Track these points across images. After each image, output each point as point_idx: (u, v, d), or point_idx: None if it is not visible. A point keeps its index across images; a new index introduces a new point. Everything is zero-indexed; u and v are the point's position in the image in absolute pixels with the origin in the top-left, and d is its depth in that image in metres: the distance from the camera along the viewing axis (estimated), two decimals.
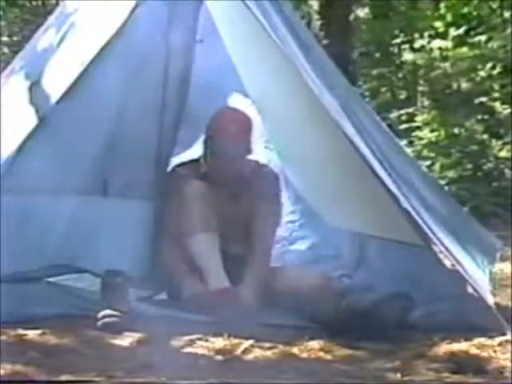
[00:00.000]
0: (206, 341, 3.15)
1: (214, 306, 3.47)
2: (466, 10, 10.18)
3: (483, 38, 9.82)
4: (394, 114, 10.46)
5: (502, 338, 3.16)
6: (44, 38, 4.11)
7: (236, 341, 3.14)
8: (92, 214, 3.70)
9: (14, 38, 11.91)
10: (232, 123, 3.83)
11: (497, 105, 9.73)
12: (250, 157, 3.94)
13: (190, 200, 3.72)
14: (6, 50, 11.51)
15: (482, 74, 9.81)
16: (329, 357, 3.04)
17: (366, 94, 11.36)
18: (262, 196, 3.85)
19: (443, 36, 10.38)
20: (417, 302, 3.43)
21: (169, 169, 3.95)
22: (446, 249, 3.44)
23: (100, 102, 3.71)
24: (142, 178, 3.82)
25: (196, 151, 4.09)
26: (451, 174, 9.11)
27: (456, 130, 9.52)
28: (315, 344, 3.14)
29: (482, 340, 3.18)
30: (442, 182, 8.48)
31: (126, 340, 3.16)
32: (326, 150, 4.33)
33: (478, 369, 2.86)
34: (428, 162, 9.21)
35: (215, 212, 3.71)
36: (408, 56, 11.58)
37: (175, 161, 4.03)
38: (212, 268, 3.67)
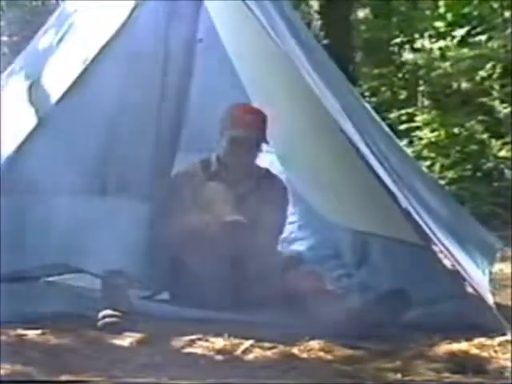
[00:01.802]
0: (206, 341, 3.15)
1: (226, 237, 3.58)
2: (466, 9, 10.18)
3: (483, 37, 9.82)
4: (393, 114, 10.46)
5: (502, 338, 3.16)
6: (44, 38, 4.11)
7: (236, 341, 3.14)
8: (91, 214, 3.69)
9: (14, 38, 11.90)
10: (246, 113, 3.95)
11: (497, 105, 9.73)
12: (261, 165, 4.02)
13: (200, 198, 3.77)
14: (6, 50, 11.50)
15: (482, 73, 9.81)
16: (329, 357, 3.04)
17: (366, 93, 11.35)
18: (268, 205, 3.87)
19: (443, 36, 10.38)
20: (417, 302, 3.43)
21: (177, 168, 3.97)
22: (446, 249, 3.44)
23: (99, 102, 3.71)
24: (141, 177, 3.82)
25: None
26: (451, 174, 9.11)
27: (456, 130, 9.52)
28: (315, 344, 3.13)
29: (482, 340, 3.18)
30: (442, 182, 8.48)
31: (126, 340, 3.16)
32: (325, 151, 4.33)
33: (478, 369, 2.86)
34: (428, 162, 9.22)
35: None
36: (408, 56, 11.58)
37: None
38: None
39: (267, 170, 4.08)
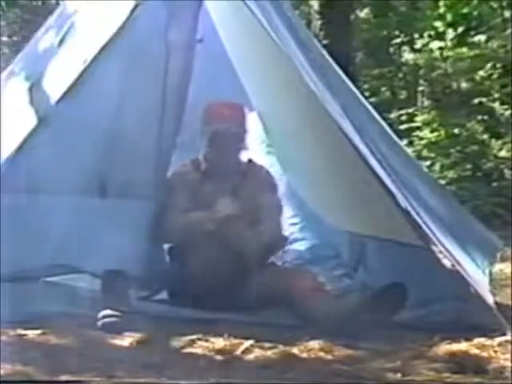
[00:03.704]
0: (206, 341, 3.15)
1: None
2: (466, 9, 10.18)
3: (483, 37, 9.82)
4: (393, 114, 10.46)
5: (502, 338, 3.15)
6: (44, 38, 4.11)
7: (236, 341, 3.14)
8: (91, 214, 3.69)
9: (14, 38, 11.90)
10: (223, 108, 3.94)
11: (497, 105, 9.74)
12: (244, 157, 4.00)
13: (194, 198, 3.77)
14: (6, 50, 11.51)
15: (482, 74, 9.81)
16: (329, 357, 3.04)
17: (366, 93, 11.35)
18: (260, 192, 3.88)
19: (443, 36, 10.38)
20: (416, 302, 3.43)
21: (170, 170, 3.97)
22: (446, 249, 3.44)
23: (99, 103, 3.71)
24: (141, 177, 3.82)
25: None
26: (451, 174, 9.12)
27: (456, 130, 9.52)
28: (315, 344, 3.13)
29: (482, 340, 3.17)
30: (442, 182, 8.48)
31: (125, 340, 3.16)
32: (326, 151, 4.32)
33: (478, 369, 2.86)
34: (428, 162, 9.22)
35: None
36: (408, 56, 11.58)
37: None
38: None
39: (250, 161, 4.05)
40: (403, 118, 10.38)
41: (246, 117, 4.00)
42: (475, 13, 10.20)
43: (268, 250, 3.89)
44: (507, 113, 9.52)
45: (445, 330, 3.27)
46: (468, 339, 3.19)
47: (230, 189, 3.87)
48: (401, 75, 12.06)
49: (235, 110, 3.96)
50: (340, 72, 4.25)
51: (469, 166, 9.19)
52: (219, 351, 3.04)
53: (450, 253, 3.43)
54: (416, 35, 11.47)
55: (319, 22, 8.77)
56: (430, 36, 10.86)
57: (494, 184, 9.10)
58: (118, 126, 3.77)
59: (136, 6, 3.78)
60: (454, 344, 3.15)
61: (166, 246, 3.94)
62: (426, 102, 11.34)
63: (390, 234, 4.05)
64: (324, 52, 4.29)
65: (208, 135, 3.90)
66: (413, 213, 3.48)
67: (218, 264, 3.61)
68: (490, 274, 3.99)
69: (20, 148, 3.61)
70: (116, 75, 3.74)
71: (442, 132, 9.61)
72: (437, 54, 10.39)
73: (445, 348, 3.11)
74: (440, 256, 3.62)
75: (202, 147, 3.94)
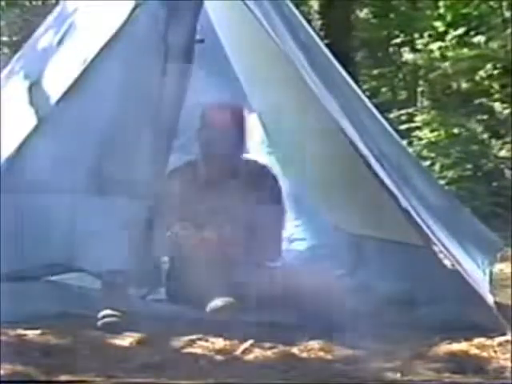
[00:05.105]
0: (206, 341, 3.15)
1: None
2: (466, 10, 10.19)
3: (483, 38, 9.83)
4: (393, 114, 10.46)
5: (502, 338, 3.16)
6: (43, 38, 4.11)
7: (236, 341, 3.14)
8: (91, 214, 3.69)
9: (14, 38, 11.90)
10: (221, 110, 3.89)
11: (497, 105, 9.74)
12: (249, 156, 3.97)
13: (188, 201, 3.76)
14: (6, 50, 11.51)
15: (482, 74, 9.82)
16: (329, 357, 3.04)
17: (366, 94, 11.36)
18: (263, 195, 3.86)
19: (443, 36, 10.39)
20: (416, 302, 3.43)
21: (167, 170, 3.95)
22: (446, 249, 3.44)
23: (99, 103, 3.71)
24: (140, 177, 3.81)
25: None
26: (451, 174, 9.12)
27: (456, 130, 9.53)
28: (315, 344, 3.13)
29: (482, 340, 3.18)
30: (442, 182, 8.49)
31: (126, 340, 3.16)
32: (326, 152, 4.32)
33: (478, 369, 2.86)
34: (428, 162, 9.23)
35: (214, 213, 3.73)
36: (408, 56, 11.59)
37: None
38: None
39: (255, 162, 4.01)
40: (403, 118, 10.38)
41: (245, 119, 3.95)
42: (475, 13, 10.21)
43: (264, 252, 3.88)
44: (507, 112, 9.52)
45: (445, 330, 3.27)
46: (468, 339, 3.19)
47: (229, 192, 3.84)
48: (401, 75, 12.07)
49: (233, 112, 3.91)
50: (342, 72, 4.25)
51: (469, 166, 9.19)
52: (219, 351, 3.04)
53: (450, 252, 3.44)
54: (416, 35, 11.48)
55: (319, 22, 8.78)
56: (430, 36, 10.87)
57: (494, 184, 9.10)
58: (116, 126, 3.76)
59: (136, 6, 3.78)
60: (454, 344, 3.15)
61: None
62: (426, 102, 11.35)
63: (389, 233, 4.05)
64: (326, 51, 4.28)
65: (205, 138, 3.87)
66: (413, 212, 3.48)
67: (215, 266, 3.61)
68: (490, 273, 3.99)
69: (20, 148, 3.61)
70: (115, 75, 3.74)
71: (442, 132, 9.61)
72: (437, 54, 10.39)
73: (445, 348, 3.11)
74: (440, 256, 3.62)
75: (199, 150, 3.92)
